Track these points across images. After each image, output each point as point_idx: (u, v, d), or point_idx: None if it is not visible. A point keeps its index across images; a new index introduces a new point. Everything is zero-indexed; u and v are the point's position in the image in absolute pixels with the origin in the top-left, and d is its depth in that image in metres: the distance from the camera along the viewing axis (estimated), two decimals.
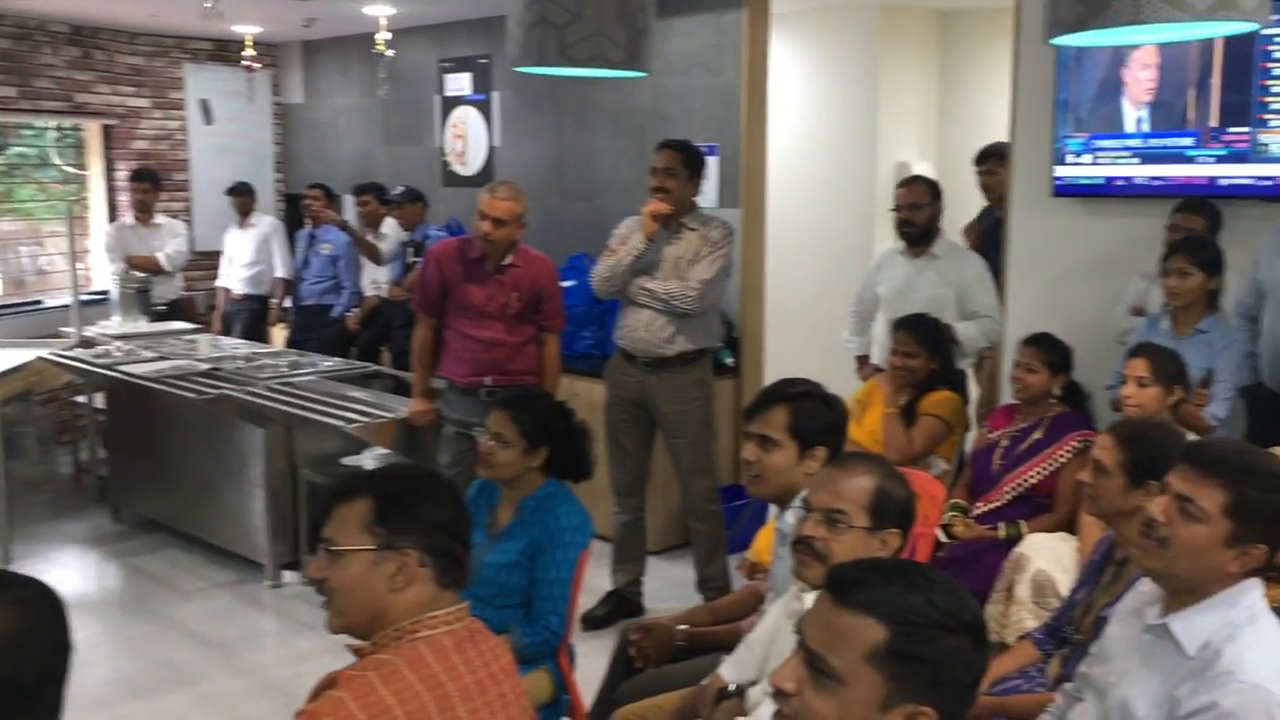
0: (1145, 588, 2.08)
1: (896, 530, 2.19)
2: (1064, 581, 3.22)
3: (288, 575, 4.98)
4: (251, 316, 7.41)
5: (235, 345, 6.12)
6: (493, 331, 4.25)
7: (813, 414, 2.65)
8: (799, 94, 6.99)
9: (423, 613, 1.80)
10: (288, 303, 7.37)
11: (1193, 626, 1.89)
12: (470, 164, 7.18)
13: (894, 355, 4.20)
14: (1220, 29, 2.41)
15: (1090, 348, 4.19)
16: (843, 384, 4.68)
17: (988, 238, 5.48)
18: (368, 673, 1.74)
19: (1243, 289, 3.94)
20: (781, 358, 5.56)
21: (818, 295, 6.57)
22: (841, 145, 6.90)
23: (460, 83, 7.16)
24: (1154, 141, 4.50)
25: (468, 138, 7.18)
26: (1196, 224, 4.10)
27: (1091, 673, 2.13)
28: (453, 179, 7.27)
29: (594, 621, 4.45)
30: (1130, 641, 2.03)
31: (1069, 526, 3.51)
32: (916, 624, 1.36)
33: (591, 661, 3.20)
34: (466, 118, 7.15)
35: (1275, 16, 4.07)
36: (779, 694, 1.43)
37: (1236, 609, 1.87)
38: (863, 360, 5.00)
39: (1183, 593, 1.92)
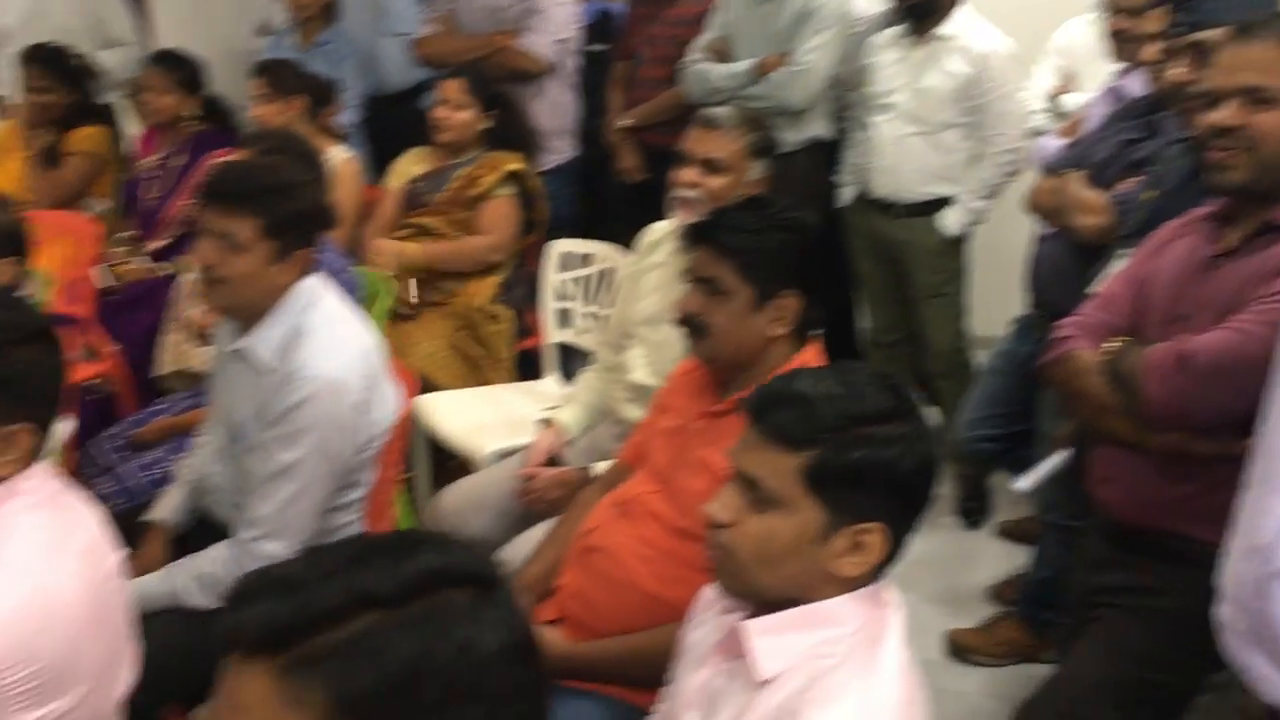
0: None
1: (11, 258, 2.06)
2: None
3: None
4: None
5: None
6: None
7: None
8: None
9: None
10: None
11: (266, 340, 1.98)
12: None
13: (28, 92, 3.82)
14: None
15: (237, 64, 4.17)
16: None
17: None
18: None
19: None
20: None
21: None
22: None
23: None
24: None
25: None
26: None
27: (212, 394, 2.23)
28: None
29: None
30: (225, 368, 2.12)
31: None
32: None
33: None
34: None
35: None
36: None
37: (293, 313, 1.98)
38: None
39: (253, 318, 1.99)
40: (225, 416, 2.09)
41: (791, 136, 3.45)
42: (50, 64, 3.81)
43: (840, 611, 1.25)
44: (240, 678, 0.76)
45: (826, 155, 3.62)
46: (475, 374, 3.28)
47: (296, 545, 1.93)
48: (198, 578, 1.94)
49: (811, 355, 1.86)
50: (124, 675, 1.47)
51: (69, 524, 1.40)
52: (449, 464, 3.09)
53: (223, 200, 1.92)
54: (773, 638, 1.25)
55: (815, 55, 3.39)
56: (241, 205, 1.90)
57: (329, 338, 1.97)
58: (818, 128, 3.56)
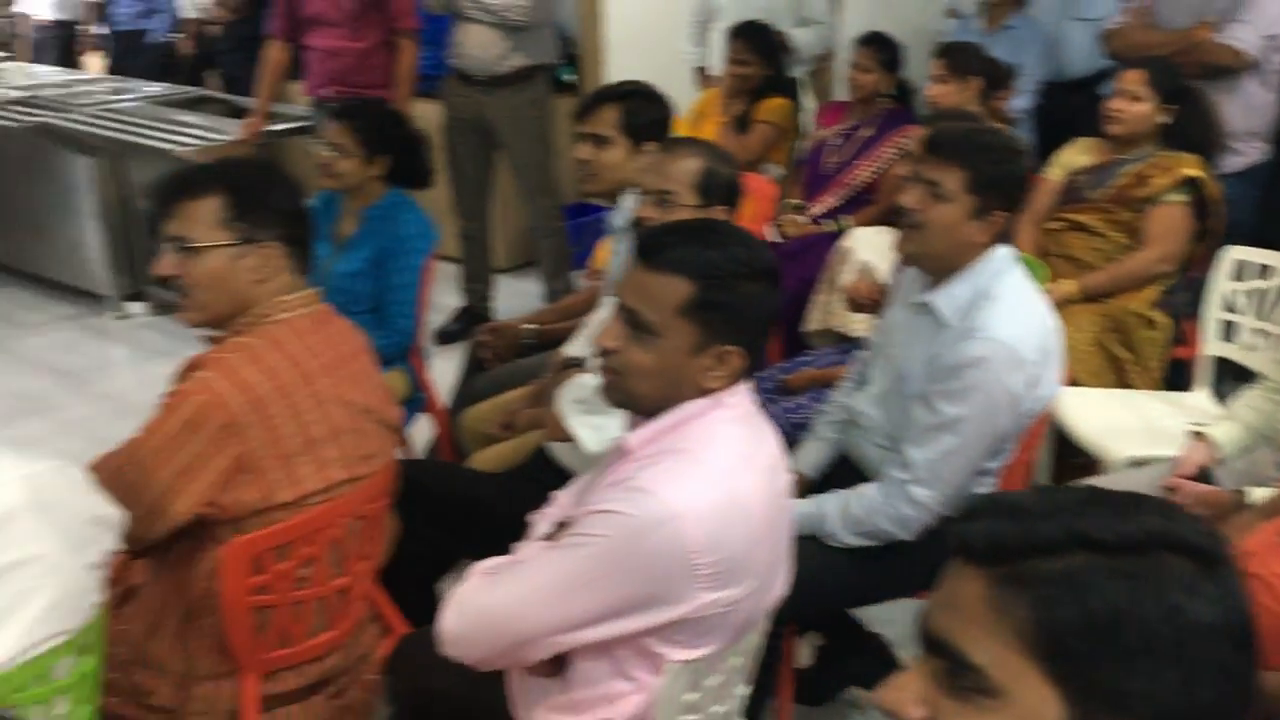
0: (912, 273, 2.26)
1: (723, 207, 2.32)
2: (884, 270, 3.46)
3: (133, 306, 4.93)
4: (62, 43, 6.95)
5: (49, 73, 5.78)
6: (333, 39, 4.15)
7: (641, 110, 2.74)
8: None
9: (278, 298, 1.89)
10: (101, 29, 6.91)
11: (952, 297, 2.08)
12: None
13: (729, 64, 4.26)
14: None
15: (919, 49, 4.32)
16: (685, 99, 4.75)
17: None
18: (230, 355, 1.83)
19: None
20: (623, 73, 5.51)
21: (660, 6, 6.45)
22: None
23: None
24: None
25: None
26: None
27: (879, 342, 2.36)
28: None
29: (448, 336, 4.58)
30: (902, 319, 2.24)
31: (891, 219, 3.73)
32: (718, 276, 1.52)
33: (447, 365, 3.37)
34: None
35: None
36: (603, 353, 1.58)
37: (984, 276, 2.07)
38: (702, 72, 5.04)
39: (940, 271, 2.10)
40: (893, 363, 2.22)
41: None
42: (753, 39, 4.22)
43: None
44: (960, 579, 0.85)
45: None
46: (1117, 376, 3.15)
47: (946, 497, 2.03)
48: (843, 511, 2.10)
49: None
50: (780, 582, 1.65)
51: (757, 440, 1.59)
52: (1072, 460, 3.02)
53: (939, 151, 2.07)
54: None
55: None
56: (954, 158, 2.04)
57: (1014, 306, 2.03)
58: None
